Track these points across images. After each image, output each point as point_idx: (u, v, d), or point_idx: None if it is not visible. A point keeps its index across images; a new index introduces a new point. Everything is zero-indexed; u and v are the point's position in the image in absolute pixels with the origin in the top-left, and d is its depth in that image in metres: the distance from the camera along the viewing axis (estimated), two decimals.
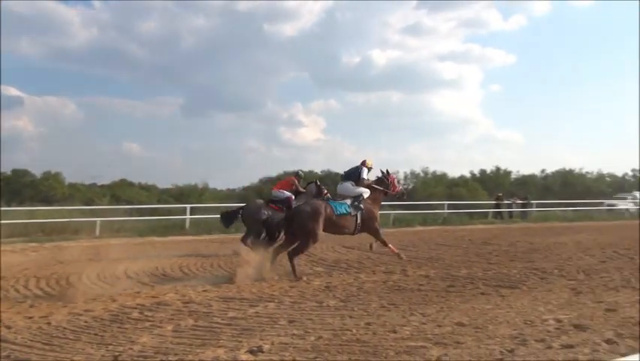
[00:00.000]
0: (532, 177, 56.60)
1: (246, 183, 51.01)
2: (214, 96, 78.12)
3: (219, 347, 4.96)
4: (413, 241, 14.59)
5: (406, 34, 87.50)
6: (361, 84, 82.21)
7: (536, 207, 30.84)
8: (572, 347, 4.78)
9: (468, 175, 56.49)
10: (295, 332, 5.44)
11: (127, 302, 7.01)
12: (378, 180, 10.50)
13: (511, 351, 4.68)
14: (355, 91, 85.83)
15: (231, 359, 4.62)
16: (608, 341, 4.94)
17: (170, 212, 22.41)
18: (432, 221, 23.80)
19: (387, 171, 10.74)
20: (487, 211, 28.52)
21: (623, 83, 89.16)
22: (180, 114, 77.98)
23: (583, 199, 35.82)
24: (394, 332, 5.38)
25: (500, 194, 30.51)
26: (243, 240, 11.56)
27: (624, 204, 36.42)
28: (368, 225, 9.87)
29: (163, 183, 47.54)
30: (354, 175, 10.08)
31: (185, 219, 19.91)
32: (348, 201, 9.70)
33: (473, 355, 4.60)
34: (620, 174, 61.31)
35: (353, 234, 9.85)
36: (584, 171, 58.89)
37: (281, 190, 12.38)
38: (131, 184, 45.14)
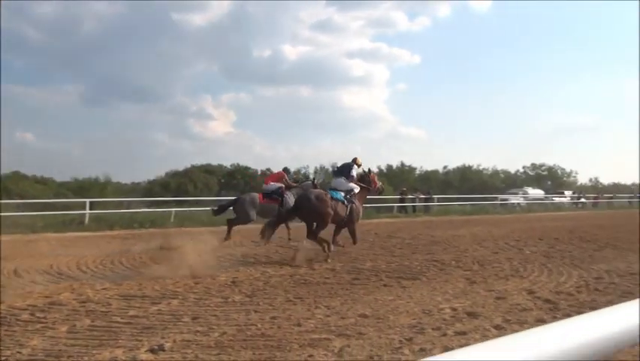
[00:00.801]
0: (434, 172, 59.31)
1: (152, 177, 49.18)
2: (118, 85, 74.59)
3: (118, 347, 4.75)
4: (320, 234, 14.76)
5: (317, 30, 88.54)
6: (272, 78, 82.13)
7: (438, 202, 32.40)
8: (464, 333, 5.07)
9: (375, 170, 57.90)
10: (199, 328, 5.34)
11: (16, 303, 6.54)
12: (360, 178, 11.22)
13: (410, 340, 4.88)
14: (266, 85, 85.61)
15: (130, 359, 4.45)
16: (497, 327, 5.30)
17: (67, 207, 21.18)
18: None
19: (368, 169, 11.60)
20: (393, 205, 29.52)
21: (514, 83, 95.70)
22: (80, 103, 73.81)
23: (480, 194, 38.11)
24: (299, 325, 5.44)
25: (405, 189, 31.72)
26: (230, 223, 12.55)
27: (516, 199, 39.14)
28: (352, 219, 10.62)
29: (61, 177, 44.82)
30: (345, 171, 10.83)
31: (84, 214, 18.90)
32: (342, 193, 10.52)
33: (374, 345, 4.75)
34: (513, 170, 65.87)
35: (342, 223, 10.56)
36: (481, 167, 62.61)
37: (272, 183, 12.96)
38: (24, 177, 42.02)
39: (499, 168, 64.66)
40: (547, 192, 45.91)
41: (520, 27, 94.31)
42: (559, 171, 67.47)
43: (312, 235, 10.13)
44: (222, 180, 54.04)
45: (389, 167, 58.50)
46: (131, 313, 6.07)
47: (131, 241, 13.40)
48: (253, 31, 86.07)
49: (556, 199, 42.54)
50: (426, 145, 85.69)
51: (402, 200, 29.79)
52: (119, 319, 5.78)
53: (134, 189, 45.29)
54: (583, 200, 43.03)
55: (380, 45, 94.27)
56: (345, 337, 4.99)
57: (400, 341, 4.89)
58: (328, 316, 5.85)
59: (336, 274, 8.67)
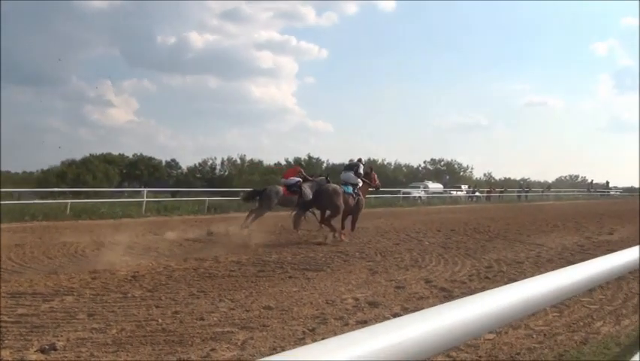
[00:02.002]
0: (341, 166, 60.37)
1: (46, 166, 45.99)
2: (6, 67, 68.86)
3: (4, 348, 4.43)
4: (227, 228, 14.58)
5: (225, 19, 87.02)
6: (177, 66, 79.75)
7: None
8: (365, 322, 5.24)
9: (284, 163, 58.10)
10: (95, 325, 5.10)
11: None
12: (365, 175, 13.38)
13: (313, 330, 4.98)
14: (171, 73, 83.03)
15: (18, 360, 4.17)
16: (395, 315, 5.51)
17: None
18: (247, 208, 23.99)
19: (370, 168, 13.99)
20: None
21: (416, 81, 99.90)
22: None
23: (383, 187, 39.31)
24: (202, 319, 5.36)
25: None
26: (249, 215, 13.78)
27: (417, 192, 40.86)
28: (358, 209, 12.95)
29: None
30: (355, 167, 13.17)
31: None
32: (350, 187, 12.69)
33: (277, 336, 4.79)
34: (415, 164, 68.70)
35: (350, 211, 12.71)
36: (385, 162, 64.66)
37: (291, 178, 14.47)
38: None
39: (401, 162, 67.24)
40: (445, 186, 48.30)
41: (423, 27, 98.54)
42: (456, 166, 71.28)
43: (325, 221, 12.24)
44: (124, 171, 51.80)
45: (297, 160, 58.81)
46: (20, 311, 5.67)
47: (20, 235, 12.50)
48: (157, 16, 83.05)
49: (454, 193, 44.91)
50: (333, 139, 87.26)
51: None
52: (5, 318, 5.37)
53: (25, 179, 42.12)
54: (477, 194, 45.76)
55: (289, 38, 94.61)
56: (249, 329, 4.99)
57: (304, 331, 4.97)
58: (232, 309, 5.81)
59: (242, 267, 8.62)
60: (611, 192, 71.87)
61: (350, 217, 12.95)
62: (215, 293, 6.62)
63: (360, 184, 13.04)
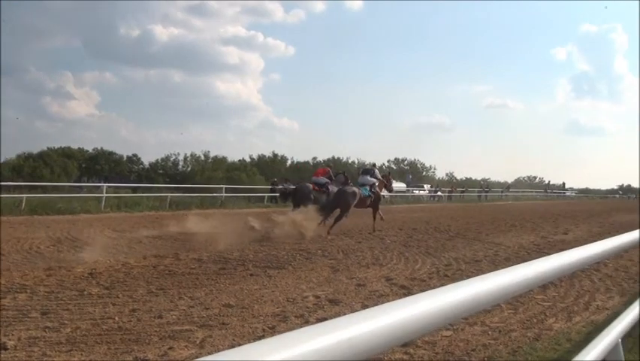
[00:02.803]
0: (305, 163, 60.40)
1: (1, 159, 44.46)
2: None
3: None
4: (189, 225, 14.41)
5: (191, 13, 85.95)
6: (141, 59, 78.44)
7: None
8: (325, 320, 5.25)
9: (248, 160, 57.82)
10: (49, 324, 4.96)
11: None
12: (383, 177, 16.15)
13: (273, 328, 4.96)
14: (134, 66, 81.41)
15: None
16: None
17: None
18: (210, 205, 23.86)
19: (388, 172, 18.04)
20: (264, 195, 29.66)
21: (382, 81, 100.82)
22: None
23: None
24: (160, 317, 5.28)
25: (276, 179, 31.99)
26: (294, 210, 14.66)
27: (383, 192, 41.15)
28: (376, 203, 15.28)
29: None
30: (370, 172, 15.70)
31: None
32: (368, 188, 14.92)
33: (237, 334, 4.76)
34: (379, 163, 69.25)
35: (367, 207, 15.10)
36: (350, 160, 64.96)
37: (321, 177, 15.99)
38: None
39: (366, 161, 67.68)
40: (408, 186, 48.91)
41: (390, 27, 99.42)
42: (419, 166, 72.33)
43: (337, 219, 13.89)
44: (83, 166, 50.60)
45: (261, 157, 58.68)
46: None
47: None
48: (121, 8, 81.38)
49: (417, 192, 45.54)
50: (298, 136, 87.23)
51: (273, 190, 30.00)
52: None
53: None
54: (439, 193, 46.53)
55: (255, 34, 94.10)
56: (208, 327, 4.94)
57: (263, 329, 4.96)
58: (192, 307, 5.74)
59: (202, 265, 8.52)
60: (567, 193, 74.23)
61: (338, 218, 14.14)
62: (174, 291, 6.53)
63: (377, 183, 15.45)
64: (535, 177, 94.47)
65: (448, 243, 12.33)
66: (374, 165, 16.28)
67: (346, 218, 14.21)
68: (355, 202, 14.27)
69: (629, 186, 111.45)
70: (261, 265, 8.62)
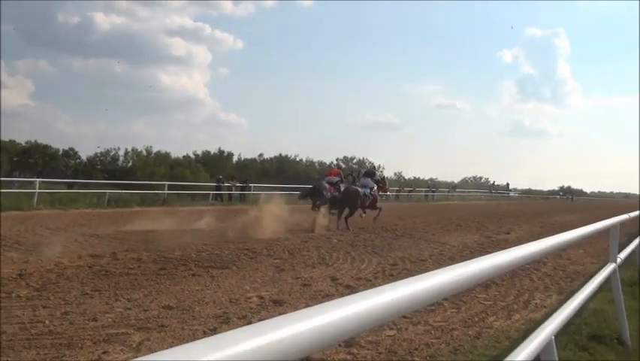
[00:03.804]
0: (252, 161, 60.11)
1: None
2: None
3: None
4: (129, 222, 14.06)
5: (136, 1, 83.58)
6: (80, 47, 75.76)
7: (254, 191, 32.90)
8: None
9: (192, 156, 56.91)
10: None
11: None
12: (380, 180, 18.80)
13: (214, 330, 4.91)
14: (72, 54, 78.55)
15: None
16: None
17: None
18: (151, 202, 23.34)
19: (384, 177, 19.95)
20: (209, 193, 29.29)
21: (332, 79, 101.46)
22: None
23: (295, 183, 39.54)
24: (95, 320, 5.12)
25: (221, 176, 31.64)
26: (313, 208, 16.13)
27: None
28: (373, 204, 17.40)
29: None
30: (371, 175, 18.26)
31: None
32: (368, 189, 17.11)
33: (176, 337, 4.68)
34: (327, 161, 69.66)
35: (366, 207, 17.10)
36: (298, 157, 65.06)
37: (333, 176, 17.55)
38: None
39: (314, 159, 67.98)
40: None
41: (340, 25, 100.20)
42: (368, 165, 73.11)
43: (345, 216, 16.01)
44: (15, 159, 48.46)
45: (206, 153, 57.88)
46: None
47: None
48: None
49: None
50: (246, 133, 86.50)
51: (218, 188, 29.69)
52: None
53: None
54: (387, 193, 47.23)
55: (203, 25, 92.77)
56: (146, 330, 4.83)
57: (204, 331, 4.90)
58: (129, 309, 5.60)
59: (142, 264, 8.32)
60: (511, 194, 76.96)
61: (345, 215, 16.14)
62: (110, 292, 6.35)
63: (375, 187, 17.61)
64: (480, 178, 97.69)
65: (394, 242, 12.55)
66: (374, 167, 19.46)
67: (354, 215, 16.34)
68: (360, 201, 16.48)
69: (569, 187, 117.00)
70: (204, 264, 8.51)
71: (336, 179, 17.41)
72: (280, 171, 58.34)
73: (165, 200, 24.35)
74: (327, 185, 16.81)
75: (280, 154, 63.78)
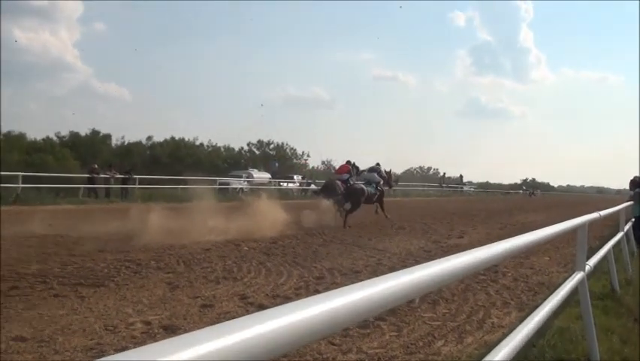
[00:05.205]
0: (138, 145, 58.80)
1: None
2: None
3: None
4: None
5: None
6: None
7: (140, 184, 32.24)
8: None
9: (55, 139, 54.95)
10: None
11: None
12: (386, 174, 22.51)
13: None
14: None
15: None
16: None
17: None
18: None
19: (389, 170, 23.43)
20: (79, 187, 28.42)
21: (246, 42, 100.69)
22: None
23: (195, 175, 39.08)
24: None
25: (96, 166, 30.73)
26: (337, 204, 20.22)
27: (239, 183, 41.34)
28: (380, 199, 21.38)
29: None
30: (376, 170, 21.71)
31: None
32: (374, 185, 20.84)
33: None
34: (237, 147, 69.38)
35: (373, 202, 21.10)
36: (198, 142, 64.23)
37: (344, 174, 21.19)
38: None
39: (220, 144, 67.39)
40: (274, 176, 49.50)
41: None
42: (289, 151, 73.52)
43: (348, 212, 19.46)
44: None
45: (75, 135, 56.01)
46: None
47: None
48: None
49: (285, 185, 46.26)
50: (130, 109, 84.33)
51: (91, 180, 28.82)
52: None
53: None
54: (313, 187, 47.60)
55: None
56: None
57: None
58: None
59: None
60: (465, 188, 79.84)
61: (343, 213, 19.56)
62: None
63: (381, 182, 21.47)
64: (429, 169, 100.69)
65: (321, 249, 12.70)
66: (378, 164, 22.24)
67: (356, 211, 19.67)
68: (364, 199, 20.09)
69: (534, 180, 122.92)
70: (71, 281, 8.28)
71: (346, 176, 21.08)
72: (175, 158, 57.44)
73: (19, 197, 23.41)
74: (339, 182, 20.58)
75: (175, 137, 62.73)
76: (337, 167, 25.50)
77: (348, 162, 22.69)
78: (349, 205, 19.68)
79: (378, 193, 21.11)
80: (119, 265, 9.71)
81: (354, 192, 19.92)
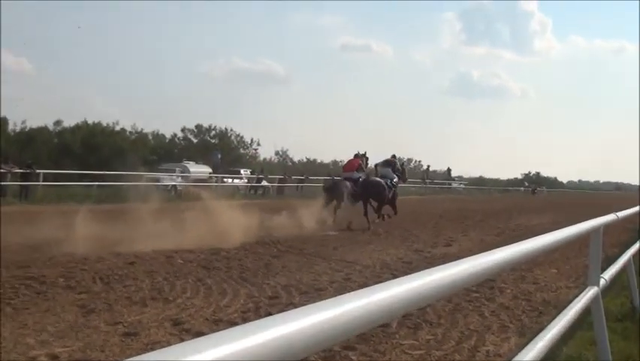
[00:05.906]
0: (42, 131, 57.97)
1: None
2: None
3: None
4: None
5: None
6: None
7: (45, 180, 31.80)
8: None
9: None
10: None
11: None
12: (402, 170, 24.26)
13: None
14: None
15: None
16: None
17: None
18: None
19: (402, 164, 24.65)
20: None
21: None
22: None
23: (115, 169, 38.64)
24: None
25: None
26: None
27: (171, 180, 41.04)
28: (394, 199, 22.54)
29: None
30: (392, 165, 23.19)
31: None
32: (389, 182, 22.11)
33: None
34: (168, 134, 68.83)
35: (384, 202, 21.96)
36: (119, 127, 63.52)
37: (351, 172, 22.36)
38: None
39: (147, 130, 66.75)
40: (216, 171, 49.24)
41: None
42: (234, 139, 73.20)
43: (377, 210, 21.71)
44: None
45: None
46: None
47: None
48: None
49: (229, 181, 46.08)
50: (31, 86, 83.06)
51: None
52: None
53: None
54: (265, 183, 47.55)
55: None
56: None
57: None
58: None
59: None
60: (454, 185, 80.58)
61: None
62: None
63: (396, 179, 22.77)
64: (410, 161, 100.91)
65: (275, 262, 12.70)
66: (394, 156, 23.64)
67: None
68: (389, 193, 21.99)
69: (538, 175, 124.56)
70: None
71: (357, 175, 22.31)
72: (90, 148, 56.77)
73: None
74: (348, 183, 21.60)
75: (88, 121, 61.97)
76: (345, 162, 25.45)
77: (357, 155, 23.59)
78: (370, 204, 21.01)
79: (392, 191, 22.27)
80: (18, 283, 9.56)
81: (376, 184, 21.40)
